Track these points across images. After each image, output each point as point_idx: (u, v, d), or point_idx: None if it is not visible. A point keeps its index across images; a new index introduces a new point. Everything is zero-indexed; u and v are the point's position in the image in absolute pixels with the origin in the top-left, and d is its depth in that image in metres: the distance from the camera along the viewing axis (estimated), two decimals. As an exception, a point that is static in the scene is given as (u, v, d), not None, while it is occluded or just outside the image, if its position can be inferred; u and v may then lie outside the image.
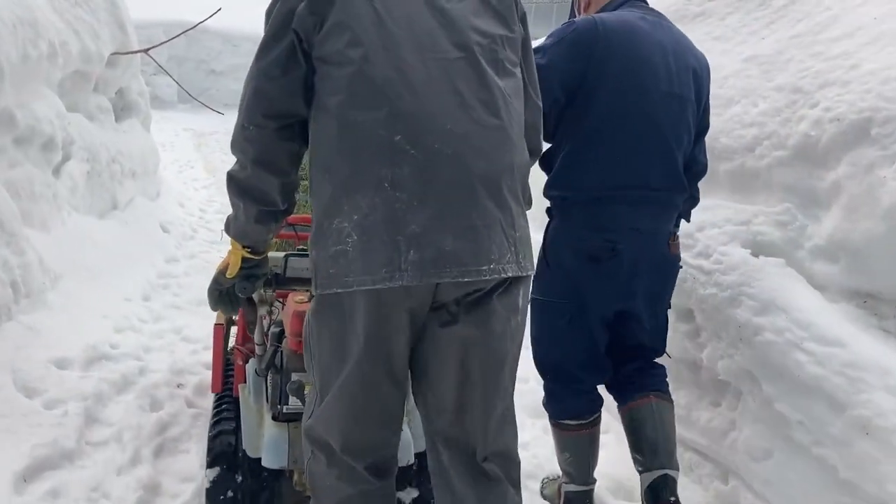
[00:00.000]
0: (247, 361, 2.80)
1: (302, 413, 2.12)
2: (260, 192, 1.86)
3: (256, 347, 2.57)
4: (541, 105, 2.07)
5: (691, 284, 3.12)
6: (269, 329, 2.49)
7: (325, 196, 1.74)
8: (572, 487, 2.75)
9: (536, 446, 3.53)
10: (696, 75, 2.56)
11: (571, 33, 2.47)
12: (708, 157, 2.79)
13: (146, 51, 6.57)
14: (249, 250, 2.05)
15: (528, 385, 4.05)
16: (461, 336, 1.81)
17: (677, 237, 2.68)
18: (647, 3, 2.67)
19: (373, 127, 1.69)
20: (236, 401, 2.80)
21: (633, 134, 2.44)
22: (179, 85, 6.92)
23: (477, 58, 1.77)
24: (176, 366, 3.92)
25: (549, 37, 2.56)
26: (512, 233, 1.77)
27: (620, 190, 2.45)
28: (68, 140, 5.07)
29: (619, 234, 2.46)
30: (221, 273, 2.11)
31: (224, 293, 2.14)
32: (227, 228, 2.04)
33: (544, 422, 3.62)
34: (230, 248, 2.07)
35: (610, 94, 2.41)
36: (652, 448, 2.58)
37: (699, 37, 4.07)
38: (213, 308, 2.24)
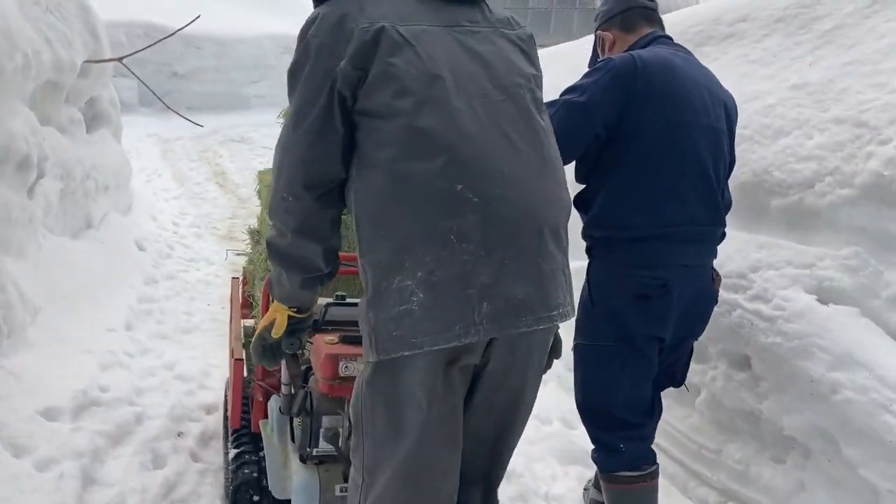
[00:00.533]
0: (267, 397, 2.69)
1: (332, 455, 2.18)
2: (303, 260, 1.81)
3: (283, 387, 2.45)
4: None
5: (749, 331, 2.88)
6: (307, 366, 2.39)
7: (381, 254, 1.65)
8: None
9: (571, 501, 3.26)
10: (726, 108, 2.54)
11: (610, 70, 2.40)
12: (757, 190, 2.73)
13: (121, 59, 6.15)
14: (296, 310, 1.97)
15: (553, 427, 3.80)
16: (502, 375, 1.80)
17: (719, 274, 2.63)
18: (672, 40, 2.63)
19: (430, 178, 1.62)
20: (255, 436, 2.73)
21: (678, 169, 2.38)
22: (156, 95, 6.52)
23: (519, 99, 1.76)
24: (174, 411, 3.56)
25: (585, 75, 2.48)
26: (568, 273, 1.77)
27: (670, 227, 2.39)
28: (42, 157, 4.65)
29: (669, 271, 2.40)
30: (266, 330, 1.99)
31: (268, 348, 2.03)
32: (272, 291, 1.96)
33: (578, 470, 3.38)
34: (275, 305, 1.97)
35: (652, 129, 2.36)
36: None
37: (734, 59, 3.85)
38: (256, 363, 2.17)
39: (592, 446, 2.58)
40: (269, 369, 2.47)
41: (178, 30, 6.45)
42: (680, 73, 2.43)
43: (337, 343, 2.15)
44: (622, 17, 2.63)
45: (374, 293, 1.66)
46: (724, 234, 2.60)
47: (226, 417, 3.17)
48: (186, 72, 16.46)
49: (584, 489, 3.06)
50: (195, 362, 4.29)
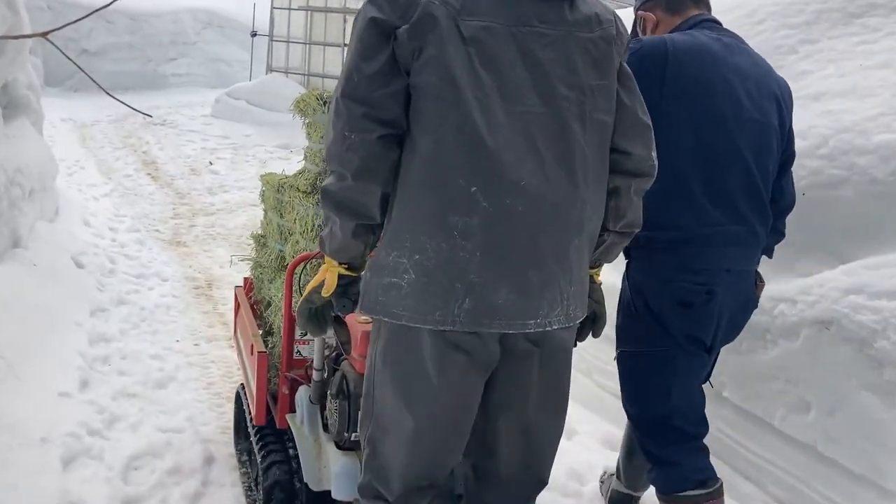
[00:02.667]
0: (293, 390, 2.53)
1: None
2: (359, 205, 1.73)
3: (314, 373, 2.35)
4: (644, 109, 1.91)
5: None
6: (336, 351, 2.32)
7: (391, 223, 1.73)
8: None
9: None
10: (778, 101, 2.32)
11: (636, 53, 2.16)
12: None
13: (45, 34, 4.82)
14: (346, 267, 1.86)
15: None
16: (521, 372, 1.83)
17: (763, 279, 2.48)
18: (721, 24, 2.41)
19: (453, 173, 1.66)
20: (279, 433, 2.61)
21: (719, 165, 2.22)
22: (89, 76, 5.15)
23: (562, 113, 1.72)
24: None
25: None
26: (568, 288, 1.77)
27: (713, 227, 2.23)
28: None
29: (713, 276, 2.25)
30: (315, 291, 1.88)
31: (315, 311, 1.90)
32: (323, 247, 1.85)
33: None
34: (325, 266, 1.87)
35: (688, 122, 2.19)
36: None
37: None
38: (302, 328, 1.99)
39: (649, 465, 2.38)
40: (314, 336, 2.22)
41: (99, 9, 5.18)
42: (719, 61, 2.24)
43: (370, 322, 1.97)
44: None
45: (376, 257, 1.75)
46: (778, 235, 2.45)
47: (240, 417, 3.03)
48: (97, 49, 14.83)
49: (601, 481, 2.93)
50: (186, 439, 3.15)
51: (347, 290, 1.86)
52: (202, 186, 8.53)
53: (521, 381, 1.82)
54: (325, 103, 2.77)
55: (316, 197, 2.60)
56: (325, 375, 2.30)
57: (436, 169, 1.66)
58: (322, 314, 1.90)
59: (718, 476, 2.31)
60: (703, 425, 2.37)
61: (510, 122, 1.66)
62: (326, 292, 1.85)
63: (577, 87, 1.73)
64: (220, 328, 4.61)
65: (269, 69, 13.86)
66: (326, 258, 1.85)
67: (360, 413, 1.88)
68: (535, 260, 1.70)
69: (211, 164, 9.62)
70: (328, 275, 1.85)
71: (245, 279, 3.38)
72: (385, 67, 1.65)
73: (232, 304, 3.70)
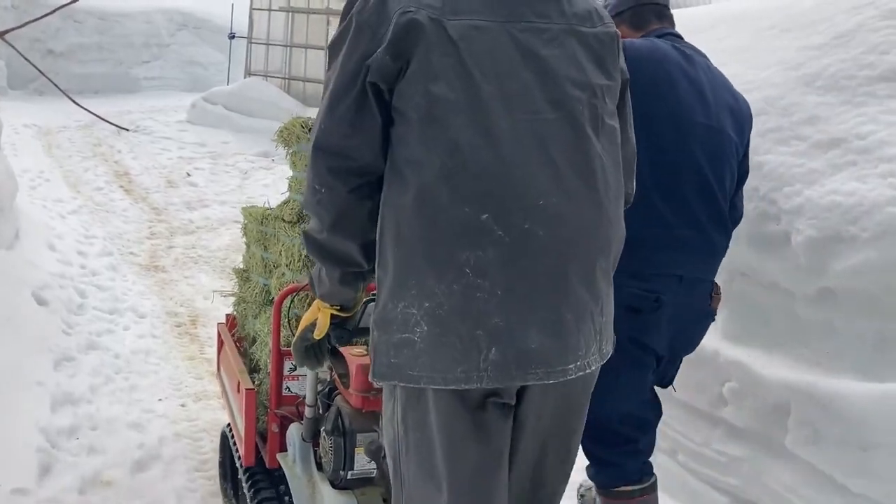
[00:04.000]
0: (284, 428, 2.38)
1: (369, 476, 2.07)
2: (341, 255, 1.60)
3: (307, 409, 2.22)
4: (635, 147, 1.79)
5: None
6: (329, 386, 2.24)
7: (391, 271, 1.50)
8: None
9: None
10: (733, 113, 2.29)
11: None
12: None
13: (2, 34, 4.04)
14: (338, 308, 1.74)
15: None
16: (543, 416, 1.61)
17: (720, 290, 2.37)
18: (682, 38, 2.39)
19: (455, 201, 1.44)
20: (269, 473, 2.46)
21: (672, 167, 2.16)
22: (52, 81, 4.49)
23: (576, 117, 1.51)
24: None
25: None
26: (600, 319, 1.57)
27: (665, 228, 2.16)
28: None
29: (663, 283, 2.18)
30: (308, 330, 1.79)
31: (311, 348, 1.80)
32: (313, 287, 1.74)
33: None
34: (315, 304, 1.78)
35: (641, 122, 1.93)
36: None
37: None
38: (300, 365, 1.87)
39: (587, 462, 2.35)
40: (312, 370, 2.09)
41: (62, 6, 4.35)
42: (674, 66, 2.23)
43: (366, 355, 1.92)
44: (632, 13, 2.41)
45: (382, 312, 1.52)
46: (726, 247, 2.33)
47: (226, 459, 2.87)
48: (63, 50, 13.90)
49: (581, 495, 2.80)
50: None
51: (342, 325, 1.79)
52: (180, 201, 7.73)
53: (545, 424, 1.63)
54: (310, 131, 2.66)
55: (301, 226, 2.52)
56: (319, 412, 2.23)
57: (434, 201, 1.45)
58: (319, 349, 1.82)
59: (654, 472, 2.32)
60: (644, 430, 2.32)
61: (517, 133, 1.46)
62: (318, 335, 1.77)
63: (587, 88, 1.54)
64: (209, 380, 3.84)
65: (248, 72, 13.06)
66: (317, 300, 1.76)
67: (392, 494, 1.68)
68: (566, 291, 1.49)
69: (189, 175, 8.82)
70: (320, 315, 1.76)
71: (227, 316, 3.20)
72: (353, 108, 1.49)
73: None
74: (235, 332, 3.02)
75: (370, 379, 1.57)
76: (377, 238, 1.54)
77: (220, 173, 9.00)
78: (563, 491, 1.74)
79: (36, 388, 3.33)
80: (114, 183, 8.14)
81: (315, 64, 11.94)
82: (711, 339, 2.54)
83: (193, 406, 3.56)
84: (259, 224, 2.85)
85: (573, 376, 1.51)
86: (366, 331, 1.92)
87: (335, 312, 1.74)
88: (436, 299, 1.44)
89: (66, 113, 11.20)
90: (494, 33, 1.47)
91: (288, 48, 12.52)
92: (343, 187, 1.51)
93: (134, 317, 4.66)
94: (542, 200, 1.46)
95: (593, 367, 1.56)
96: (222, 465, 2.91)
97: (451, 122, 1.44)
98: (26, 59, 3.58)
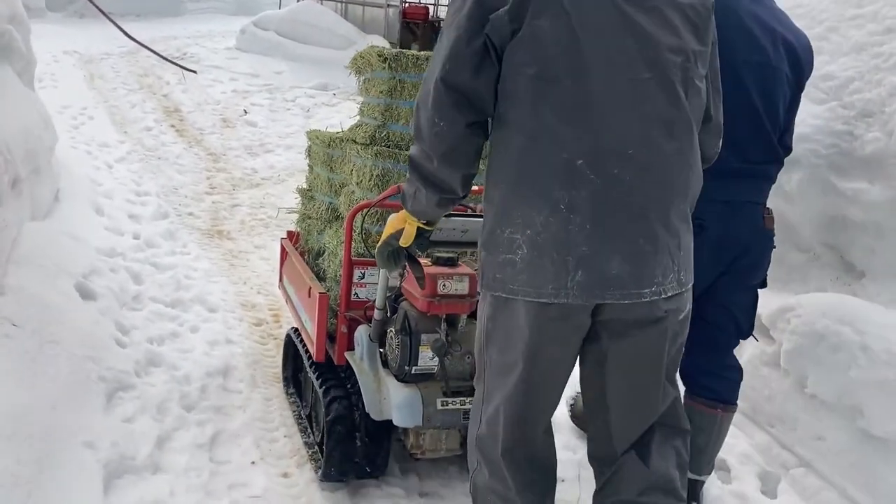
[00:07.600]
0: (352, 330, 2.49)
1: (429, 373, 2.24)
2: (444, 183, 1.75)
3: (376, 312, 2.36)
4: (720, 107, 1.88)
5: None
6: (395, 293, 2.39)
7: (499, 204, 1.68)
8: None
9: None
10: (792, 50, 2.25)
11: None
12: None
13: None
14: (424, 223, 1.90)
15: None
16: (627, 350, 1.74)
17: (771, 211, 2.34)
18: None
19: (556, 148, 1.59)
20: (336, 369, 2.55)
21: (728, 112, 1.96)
22: (94, 3, 3.97)
23: (669, 78, 1.63)
24: None
25: None
26: (678, 253, 1.69)
27: (717, 163, 1.96)
28: None
29: (707, 209, 2.04)
30: (393, 237, 1.92)
31: (393, 253, 1.94)
32: (405, 202, 1.86)
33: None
34: (402, 216, 1.89)
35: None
36: (697, 453, 2.21)
37: None
38: (381, 266, 2.02)
39: None
40: (390, 272, 2.27)
41: None
42: (730, 6, 2.13)
43: (432, 264, 2.19)
44: None
45: (489, 237, 1.70)
46: (776, 174, 2.32)
47: (289, 355, 3.00)
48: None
49: (570, 404, 2.91)
50: None
51: (423, 235, 1.91)
52: (239, 144, 6.60)
53: (641, 351, 1.73)
54: (385, 60, 2.65)
55: (373, 149, 2.61)
56: (387, 314, 2.35)
57: (538, 146, 1.60)
58: (398, 255, 1.95)
59: None
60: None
61: (617, 91, 1.59)
62: (405, 243, 1.90)
63: (682, 52, 1.65)
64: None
65: (302, -4, 11.77)
66: (407, 214, 1.86)
67: (476, 368, 1.85)
68: (645, 228, 1.62)
69: (246, 112, 7.64)
70: (407, 226, 1.88)
71: (288, 232, 3.35)
72: (480, 54, 1.61)
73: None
74: (299, 247, 3.15)
75: (479, 289, 1.75)
76: (486, 175, 1.72)
77: (280, 110, 7.83)
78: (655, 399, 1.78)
79: (83, 451, 2.26)
80: (164, 122, 6.99)
81: (374, -14, 10.66)
82: None
83: (297, 473, 2.48)
84: (326, 147, 2.94)
85: (647, 300, 1.63)
86: (436, 242, 2.24)
87: (421, 226, 1.89)
88: (535, 228, 1.61)
89: (109, 38, 9.95)
90: (603, 2, 1.58)
91: (345, -30, 11.21)
92: (463, 121, 1.64)
93: (203, 311, 3.57)
94: (633, 151, 1.59)
95: (669, 294, 1.65)
96: (285, 367, 3.04)
97: (558, 81, 1.57)
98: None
